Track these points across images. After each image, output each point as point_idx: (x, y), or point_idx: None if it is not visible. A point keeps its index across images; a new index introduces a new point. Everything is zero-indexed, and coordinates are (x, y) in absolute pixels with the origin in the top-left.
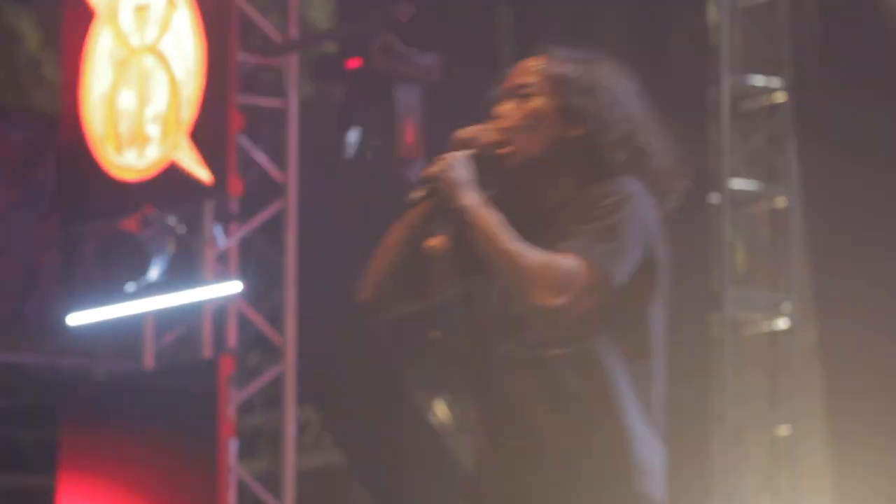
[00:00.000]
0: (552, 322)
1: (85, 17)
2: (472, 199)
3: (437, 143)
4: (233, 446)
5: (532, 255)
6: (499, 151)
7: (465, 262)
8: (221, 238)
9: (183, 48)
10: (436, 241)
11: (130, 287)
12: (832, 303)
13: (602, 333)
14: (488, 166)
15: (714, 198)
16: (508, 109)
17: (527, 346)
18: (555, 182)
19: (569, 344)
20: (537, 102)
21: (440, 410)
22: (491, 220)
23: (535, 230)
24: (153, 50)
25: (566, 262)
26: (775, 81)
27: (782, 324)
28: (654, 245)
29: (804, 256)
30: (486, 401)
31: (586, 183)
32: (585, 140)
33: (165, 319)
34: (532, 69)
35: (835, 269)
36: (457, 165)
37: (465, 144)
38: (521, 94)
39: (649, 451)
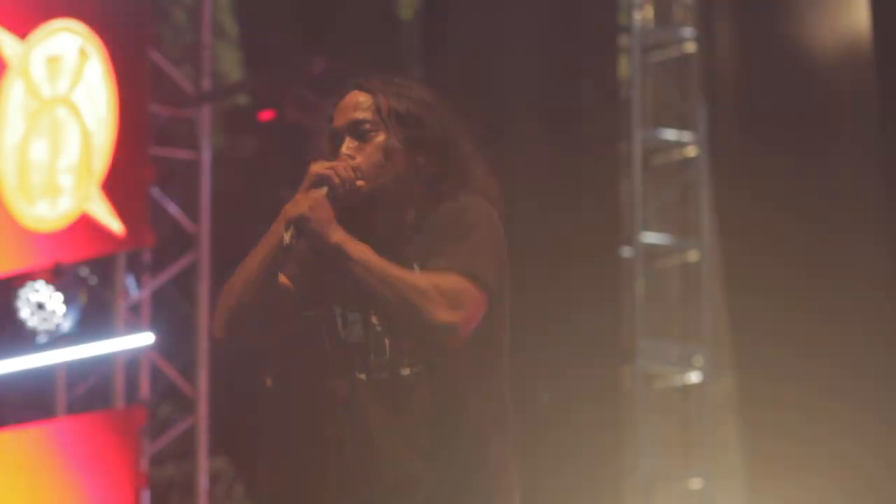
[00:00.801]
0: (452, 338)
1: None
2: (342, 235)
3: None
4: (145, 498)
5: (420, 279)
6: (354, 186)
7: (307, 296)
8: (134, 289)
9: (95, 99)
10: (283, 278)
11: (42, 338)
12: (749, 354)
13: (455, 357)
14: (342, 200)
15: (626, 251)
16: (354, 146)
17: (380, 369)
18: (403, 206)
19: (419, 361)
20: (380, 138)
21: None
22: (366, 252)
23: (389, 252)
24: (65, 101)
25: (451, 279)
26: (687, 135)
27: (694, 377)
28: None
29: (716, 309)
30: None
31: (432, 203)
32: (428, 166)
33: (77, 370)
34: (363, 105)
35: (751, 320)
36: (321, 204)
37: (321, 181)
38: (361, 130)
39: (508, 485)
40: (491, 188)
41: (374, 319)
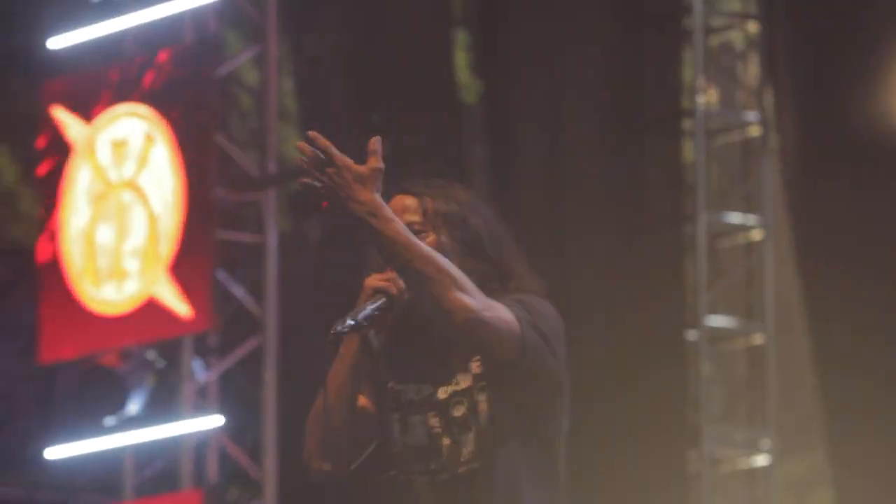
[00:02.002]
0: (465, 321)
1: (63, 151)
2: (375, 205)
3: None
4: None
5: (449, 264)
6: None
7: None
8: (201, 372)
9: (161, 183)
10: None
11: (110, 421)
12: (816, 437)
13: (509, 449)
14: (401, 309)
15: (691, 335)
16: None
17: (440, 471)
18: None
19: (476, 458)
20: (430, 239)
21: None
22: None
23: (445, 354)
24: (131, 185)
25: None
26: (751, 218)
27: (761, 460)
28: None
29: (782, 392)
30: None
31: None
32: (476, 268)
33: (145, 453)
34: (410, 208)
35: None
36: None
37: (379, 293)
38: (415, 232)
39: None
40: (537, 287)
41: (432, 422)
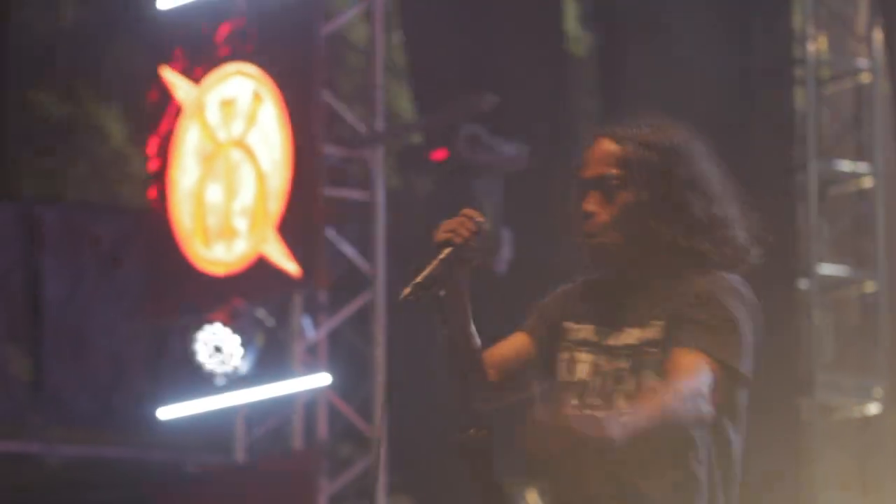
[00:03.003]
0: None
1: (172, 111)
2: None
3: (518, 232)
4: None
5: (652, 404)
6: (479, 230)
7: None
8: (310, 330)
9: (269, 141)
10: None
11: (220, 380)
12: None
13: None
14: (472, 254)
15: (803, 283)
16: (598, 202)
17: (592, 406)
18: (637, 268)
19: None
20: (625, 196)
21: (531, 499)
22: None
23: (613, 311)
24: (240, 144)
25: (691, 365)
26: (862, 166)
27: (873, 408)
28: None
29: (894, 340)
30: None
31: (667, 272)
32: (667, 230)
33: (256, 412)
34: (612, 157)
35: None
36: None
37: (441, 245)
38: (608, 186)
39: None
40: (748, 260)
41: (599, 361)
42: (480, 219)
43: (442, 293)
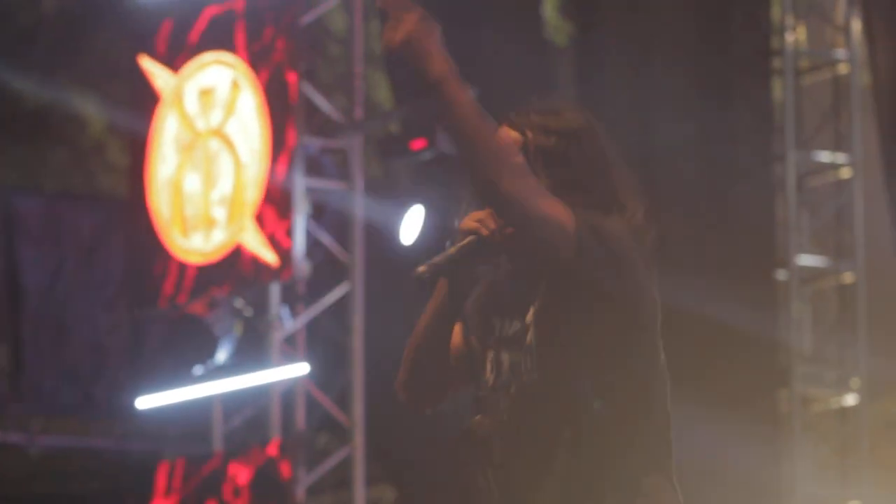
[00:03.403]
0: (506, 205)
1: (150, 100)
2: (443, 70)
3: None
4: None
5: (511, 153)
6: (505, 233)
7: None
8: (288, 320)
9: (248, 131)
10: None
11: (198, 370)
12: None
13: (585, 373)
14: (495, 249)
15: (781, 274)
16: None
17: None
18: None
19: (534, 370)
20: None
21: None
22: (465, 98)
23: (534, 290)
24: (218, 133)
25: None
26: (841, 157)
27: (851, 400)
28: (645, 285)
29: (873, 331)
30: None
31: None
32: (573, 203)
33: (234, 402)
34: (511, 144)
35: None
36: (429, 29)
37: (467, 233)
38: None
39: None
40: (636, 215)
41: (514, 357)
42: (511, 230)
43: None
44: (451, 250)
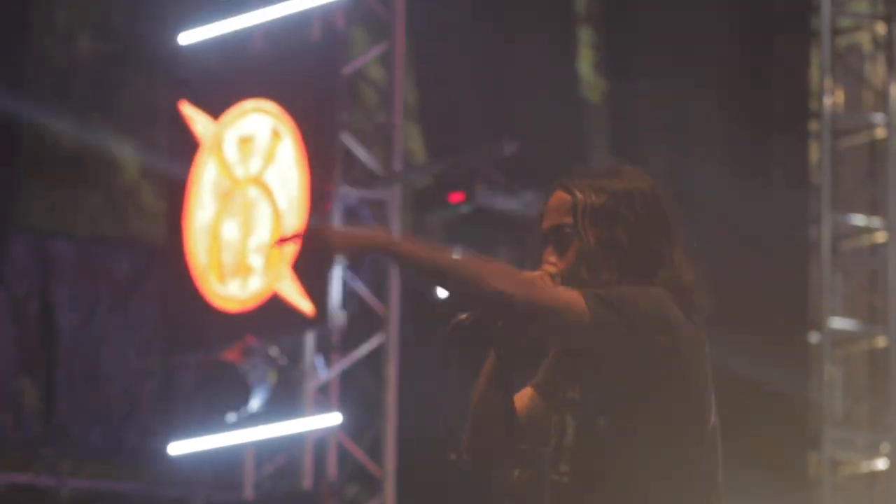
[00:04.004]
0: (503, 304)
1: (189, 146)
2: (390, 240)
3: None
4: None
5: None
6: None
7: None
8: (323, 370)
9: (286, 179)
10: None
11: (231, 417)
12: None
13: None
14: None
15: (814, 337)
16: (555, 251)
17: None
18: None
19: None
20: (576, 245)
21: None
22: (412, 248)
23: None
24: (257, 181)
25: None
26: (876, 221)
27: (881, 464)
28: (677, 343)
29: None
30: None
31: None
32: (624, 270)
33: (266, 450)
34: (563, 207)
35: None
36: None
37: None
38: (561, 234)
39: None
40: (691, 298)
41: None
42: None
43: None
44: None
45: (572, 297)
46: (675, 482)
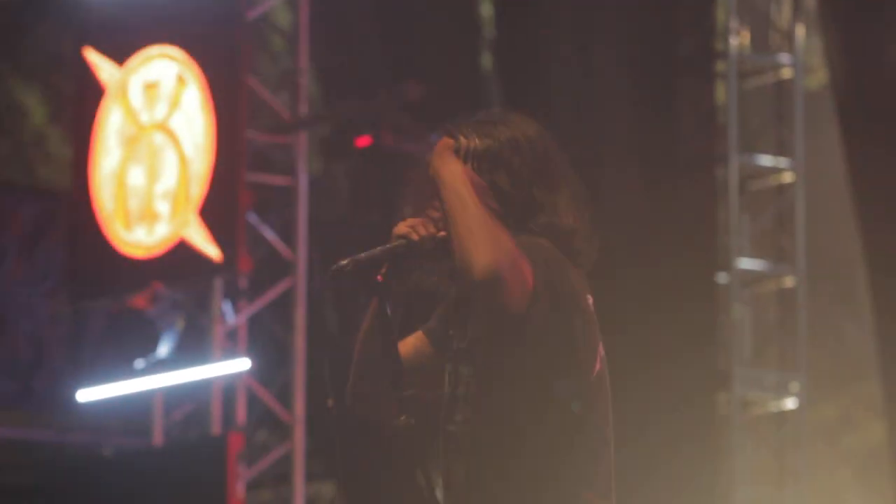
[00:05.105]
0: (487, 284)
1: (95, 93)
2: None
3: None
4: None
5: (493, 224)
6: (437, 239)
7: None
8: (230, 315)
9: (192, 125)
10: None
11: (139, 363)
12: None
13: (519, 401)
14: (428, 254)
15: (722, 277)
16: (438, 199)
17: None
18: None
19: (469, 420)
20: None
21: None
22: (460, 182)
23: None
24: (163, 127)
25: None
26: (783, 161)
27: (790, 403)
28: (565, 292)
29: (812, 336)
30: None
31: None
32: (504, 214)
33: (174, 396)
34: (448, 151)
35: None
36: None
37: (402, 238)
38: None
39: None
40: (574, 244)
41: (462, 370)
42: (444, 234)
43: (378, 278)
44: (377, 250)
45: (528, 272)
46: (565, 437)
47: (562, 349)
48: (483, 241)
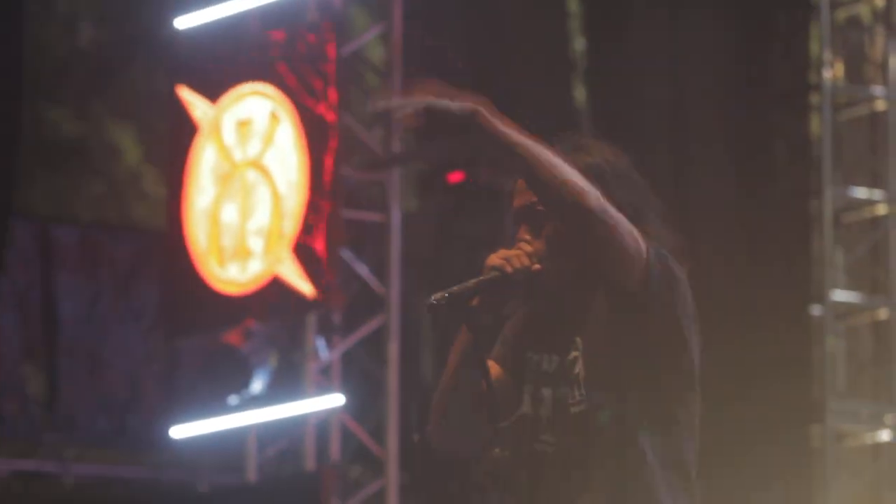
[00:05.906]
0: (595, 226)
1: (188, 131)
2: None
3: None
4: None
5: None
6: (531, 272)
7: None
8: (324, 351)
9: (286, 162)
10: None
11: (233, 400)
12: None
13: (633, 407)
14: (521, 286)
15: (816, 310)
16: (530, 229)
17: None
18: (586, 291)
19: (582, 402)
20: (553, 224)
21: None
22: (525, 139)
23: (572, 326)
24: (256, 164)
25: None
26: (877, 193)
27: (885, 435)
28: (686, 307)
29: None
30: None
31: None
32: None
33: (268, 432)
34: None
35: None
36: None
37: (495, 271)
38: (535, 212)
39: None
40: (667, 243)
41: (558, 393)
42: (538, 267)
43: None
44: (471, 283)
45: (638, 238)
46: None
47: (677, 338)
48: (575, 178)
